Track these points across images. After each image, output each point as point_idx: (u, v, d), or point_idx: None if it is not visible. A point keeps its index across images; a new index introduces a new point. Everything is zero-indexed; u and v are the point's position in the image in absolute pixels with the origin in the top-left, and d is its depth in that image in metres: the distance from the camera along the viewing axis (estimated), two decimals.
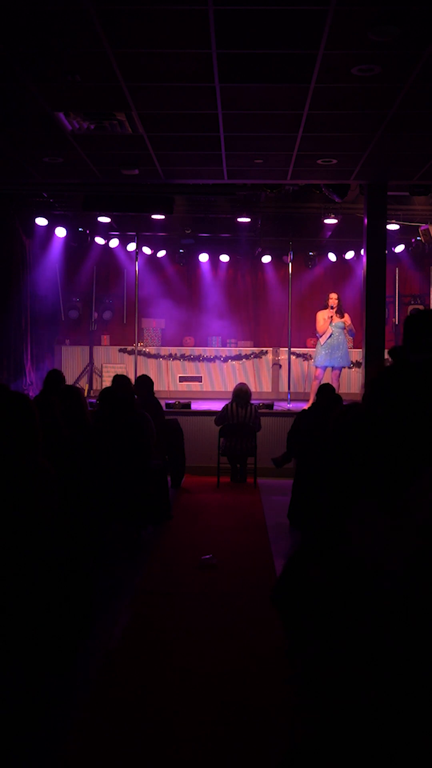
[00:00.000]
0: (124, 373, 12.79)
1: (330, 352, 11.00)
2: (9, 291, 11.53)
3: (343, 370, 11.31)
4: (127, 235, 13.36)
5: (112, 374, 8.13)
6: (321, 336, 11.13)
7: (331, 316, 11.03)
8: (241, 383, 9.61)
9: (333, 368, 11.09)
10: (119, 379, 7.21)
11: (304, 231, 12.86)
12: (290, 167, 8.45)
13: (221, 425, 9.11)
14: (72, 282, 14.02)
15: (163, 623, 4.53)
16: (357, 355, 12.85)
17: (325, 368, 11.04)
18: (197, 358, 13.47)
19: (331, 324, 10.99)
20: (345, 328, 11.05)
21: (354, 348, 13.48)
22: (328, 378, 11.00)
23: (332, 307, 11.06)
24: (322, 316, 11.13)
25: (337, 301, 11.06)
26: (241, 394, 9.18)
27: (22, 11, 4.70)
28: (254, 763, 3.04)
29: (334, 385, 10.23)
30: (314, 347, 11.85)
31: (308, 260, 14.34)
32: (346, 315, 11.10)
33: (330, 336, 10.99)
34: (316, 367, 11.21)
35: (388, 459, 1.68)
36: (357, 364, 12.89)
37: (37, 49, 5.31)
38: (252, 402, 9.29)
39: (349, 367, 12.62)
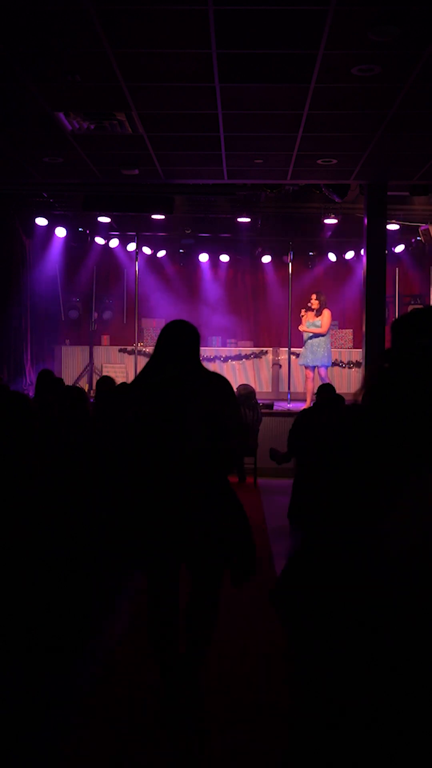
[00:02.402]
0: (124, 373, 12.87)
1: (305, 350, 10.99)
2: (9, 291, 11.54)
3: (328, 369, 11.20)
4: (127, 235, 13.37)
5: (113, 374, 8.12)
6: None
7: (302, 315, 11.08)
8: (244, 384, 9.56)
9: (317, 368, 11.03)
10: (107, 381, 7.22)
11: (304, 231, 12.87)
12: (290, 167, 8.45)
13: None
14: (72, 282, 14.02)
15: None
16: (357, 355, 12.85)
17: (312, 368, 11.02)
18: None
19: (307, 323, 11.02)
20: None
21: (354, 348, 13.48)
22: (318, 378, 10.98)
23: (311, 308, 11.02)
24: None
25: (317, 302, 10.97)
26: (250, 396, 9.12)
27: (22, 11, 4.71)
28: (254, 762, 3.04)
29: None
30: None
31: (308, 260, 14.34)
32: (325, 312, 10.96)
33: (307, 335, 11.04)
34: (305, 367, 11.20)
35: (387, 459, 1.68)
36: (357, 364, 12.89)
37: (37, 49, 5.32)
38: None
39: (342, 366, 12.62)
